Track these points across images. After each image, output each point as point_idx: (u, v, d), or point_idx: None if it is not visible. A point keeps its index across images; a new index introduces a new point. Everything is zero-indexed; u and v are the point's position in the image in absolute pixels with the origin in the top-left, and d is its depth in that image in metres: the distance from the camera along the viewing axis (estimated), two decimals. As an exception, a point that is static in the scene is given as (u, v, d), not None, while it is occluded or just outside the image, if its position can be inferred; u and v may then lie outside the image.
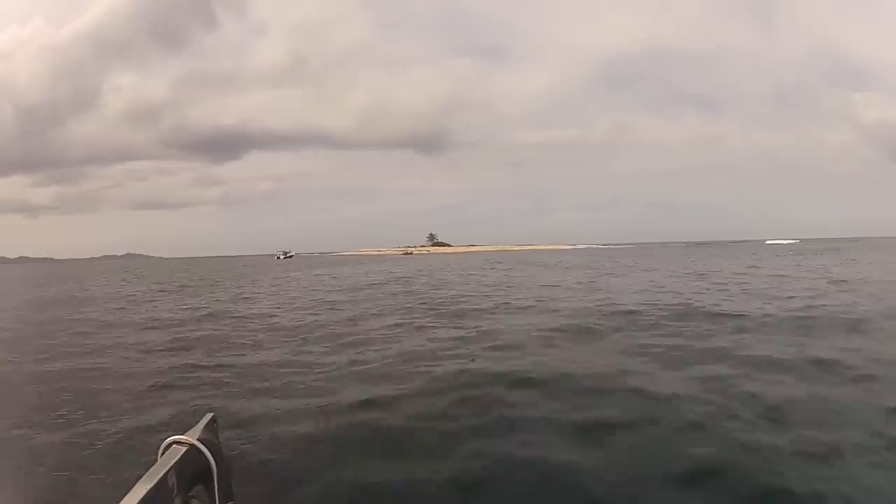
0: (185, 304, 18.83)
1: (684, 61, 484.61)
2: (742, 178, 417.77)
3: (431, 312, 13.88)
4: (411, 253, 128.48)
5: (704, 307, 12.89)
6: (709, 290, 17.64)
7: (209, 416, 1.12)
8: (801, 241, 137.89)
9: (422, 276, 32.56)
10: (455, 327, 11.36)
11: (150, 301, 21.01)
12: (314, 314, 14.42)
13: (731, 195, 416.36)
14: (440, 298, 17.53)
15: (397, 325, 11.89)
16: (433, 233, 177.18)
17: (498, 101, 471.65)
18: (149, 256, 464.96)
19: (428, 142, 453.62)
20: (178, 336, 11.41)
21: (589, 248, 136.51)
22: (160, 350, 9.88)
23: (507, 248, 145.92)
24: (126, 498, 0.88)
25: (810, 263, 33.05)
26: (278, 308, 16.56)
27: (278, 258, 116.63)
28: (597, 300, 15.59)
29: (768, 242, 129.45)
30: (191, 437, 1.04)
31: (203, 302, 19.65)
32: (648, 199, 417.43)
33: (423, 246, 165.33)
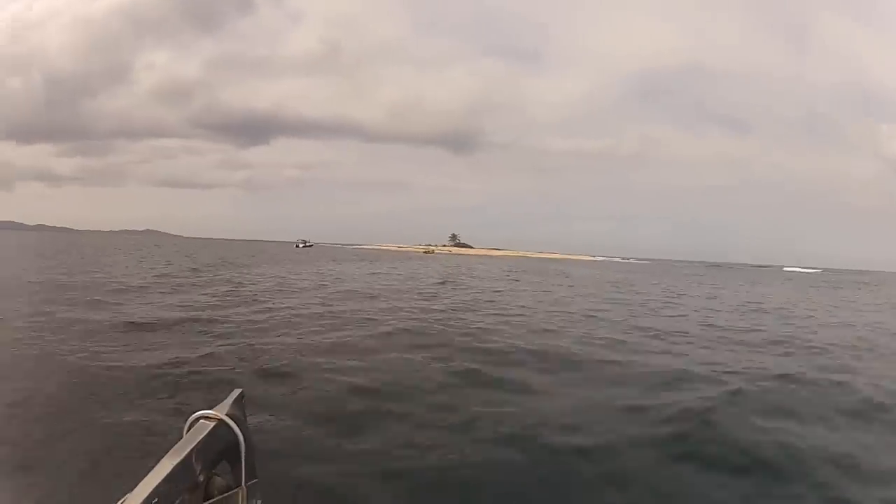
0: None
1: (717, 80, 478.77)
2: (764, 201, 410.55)
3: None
4: (433, 252, 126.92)
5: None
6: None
7: (237, 391, 1.09)
8: (824, 270, 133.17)
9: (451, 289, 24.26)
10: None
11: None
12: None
13: (752, 218, 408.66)
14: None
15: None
16: (455, 233, 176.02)
17: (530, 105, 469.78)
18: (168, 234, 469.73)
19: (457, 140, 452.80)
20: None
21: (610, 261, 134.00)
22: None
23: (527, 254, 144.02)
24: (152, 473, 0.88)
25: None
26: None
27: (297, 247, 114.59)
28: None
29: (786, 269, 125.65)
30: (219, 412, 1.02)
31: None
32: (669, 216, 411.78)
33: (445, 245, 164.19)
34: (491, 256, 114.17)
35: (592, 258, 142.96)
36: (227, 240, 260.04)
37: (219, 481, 1.02)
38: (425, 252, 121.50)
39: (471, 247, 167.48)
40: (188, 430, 1.01)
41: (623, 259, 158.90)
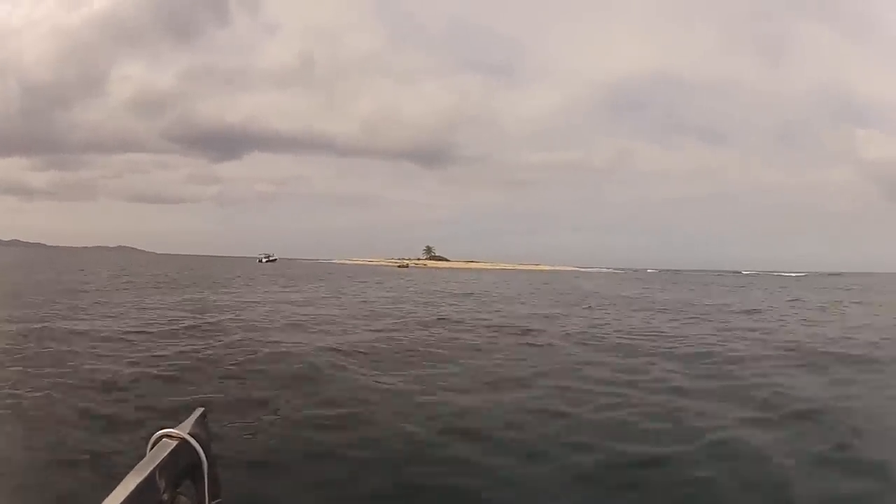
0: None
1: (691, 91, 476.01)
2: (740, 210, 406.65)
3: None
4: (407, 266, 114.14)
5: None
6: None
7: (200, 410, 1.07)
8: (807, 274, 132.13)
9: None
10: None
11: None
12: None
13: (728, 227, 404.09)
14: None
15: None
16: (430, 245, 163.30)
17: (503, 119, 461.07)
18: (141, 250, 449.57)
19: (430, 154, 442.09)
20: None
21: (600, 271, 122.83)
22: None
23: (510, 266, 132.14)
24: (115, 491, 0.85)
25: None
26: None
27: (260, 261, 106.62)
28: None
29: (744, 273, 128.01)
30: (182, 430, 0.99)
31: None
32: (646, 226, 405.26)
33: (420, 259, 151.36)
34: (475, 270, 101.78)
35: (580, 269, 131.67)
36: (197, 256, 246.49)
37: (183, 500, 0.98)
38: (399, 266, 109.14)
39: (447, 259, 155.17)
40: (151, 449, 0.96)
41: (611, 269, 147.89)
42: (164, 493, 0.92)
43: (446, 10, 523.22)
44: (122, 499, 0.84)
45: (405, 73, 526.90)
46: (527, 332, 13.30)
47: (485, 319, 15.73)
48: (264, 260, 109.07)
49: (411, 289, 31.43)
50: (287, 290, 28.09)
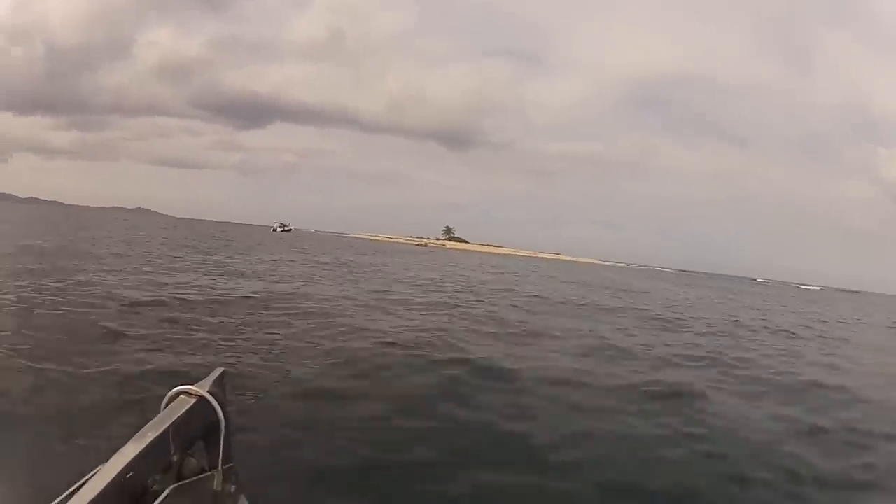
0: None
1: (716, 93, 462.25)
2: (758, 217, 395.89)
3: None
4: (426, 245, 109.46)
5: None
6: None
7: (220, 370, 1.02)
8: (824, 288, 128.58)
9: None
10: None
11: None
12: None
13: (745, 232, 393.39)
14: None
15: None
16: (450, 226, 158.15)
17: (529, 107, 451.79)
18: (159, 213, 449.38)
19: (454, 137, 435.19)
20: None
21: (628, 267, 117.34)
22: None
23: (530, 253, 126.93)
24: (125, 447, 0.81)
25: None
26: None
27: (275, 230, 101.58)
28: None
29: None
30: (200, 388, 0.94)
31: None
32: (661, 224, 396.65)
33: (439, 239, 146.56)
34: (497, 255, 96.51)
35: (603, 263, 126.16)
36: (214, 221, 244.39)
37: (192, 462, 0.92)
38: (418, 245, 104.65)
39: (466, 241, 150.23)
40: (166, 405, 0.91)
41: (628, 265, 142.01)
42: (174, 453, 0.87)
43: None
44: (133, 454, 0.80)
45: (433, 55, 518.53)
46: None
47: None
48: (279, 229, 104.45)
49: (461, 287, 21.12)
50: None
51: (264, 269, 17.66)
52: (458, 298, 14.47)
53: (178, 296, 9.85)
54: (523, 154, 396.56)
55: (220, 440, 0.94)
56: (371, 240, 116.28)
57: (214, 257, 20.55)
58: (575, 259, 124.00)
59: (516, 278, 29.22)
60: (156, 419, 0.88)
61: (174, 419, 0.87)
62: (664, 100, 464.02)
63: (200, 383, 0.95)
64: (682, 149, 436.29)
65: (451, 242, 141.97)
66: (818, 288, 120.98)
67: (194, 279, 12.77)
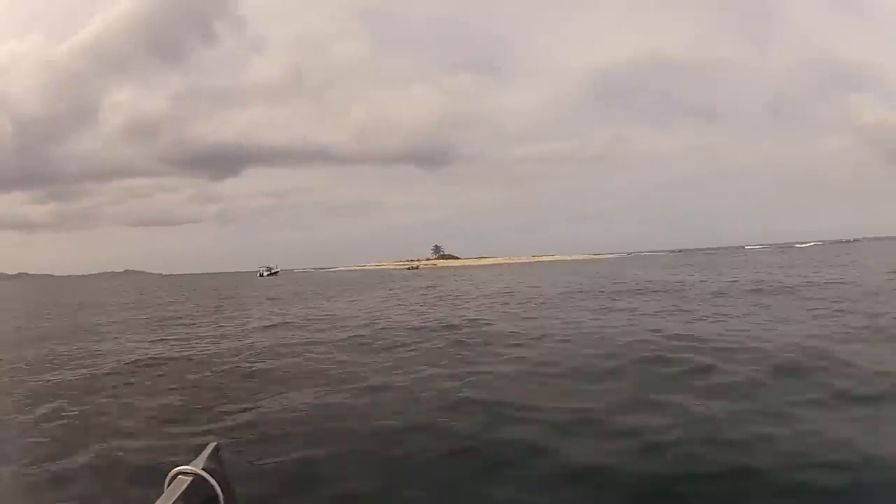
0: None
1: (680, 72, 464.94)
2: (741, 187, 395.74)
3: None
4: (417, 267, 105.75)
5: None
6: None
7: (213, 444, 1.07)
8: (823, 243, 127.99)
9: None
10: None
11: None
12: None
13: (729, 204, 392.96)
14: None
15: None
16: (438, 245, 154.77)
17: (496, 116, 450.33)
18: (148, 273, 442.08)
19: (427, 156, 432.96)
20: None
21: (622, 257, 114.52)
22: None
23: (525, 259, 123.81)
24: None
25: None
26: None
27: (261, 275, 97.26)
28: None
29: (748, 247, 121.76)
30: (195, 466, 0.99)
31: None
32: (646, 209, 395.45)
33: (429, 259, 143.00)
34: (494, 266, 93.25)
35: (598, 256, 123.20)
36: (200, 274, 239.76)
37: None
38: (409, 269, 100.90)
39: (457, 258, 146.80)
40: (168, 486, 0.96)
41: (620, 255, 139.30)
42: None
43: (430, 13, 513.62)
44: None
45: (394, 78, 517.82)
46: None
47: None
48: (265, 273, 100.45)
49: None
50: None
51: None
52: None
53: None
54: (497, 163, 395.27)
55: None
56: (364, 270, 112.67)
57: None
58: (571, 258, 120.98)
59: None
60: (159, 500, 0.91)
61: (175, 497, 0.91)
62: (629, 88, 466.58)
63: (195, 461, 0.99)
64: (654, 132, 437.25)
65: (442, 261, 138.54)
66: (811, 244, 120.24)
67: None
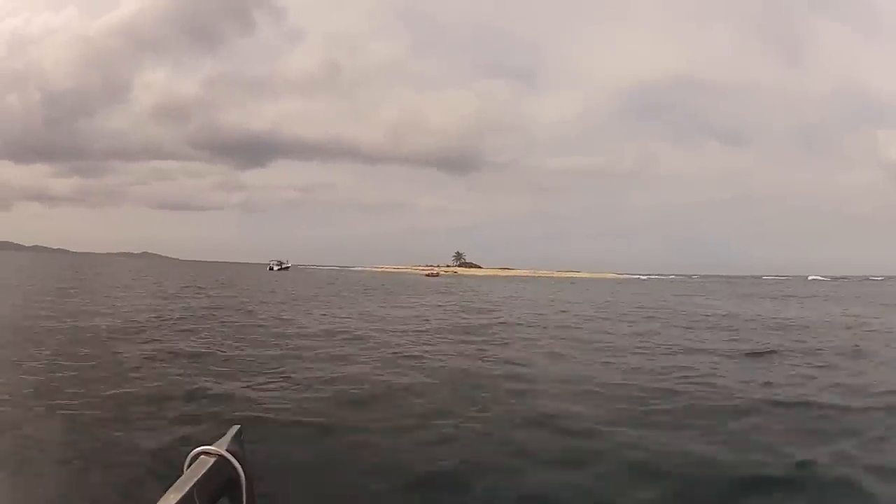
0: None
1: (711, 93, 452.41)
2: (763, 214, 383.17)
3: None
4: (437, 274, 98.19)
5: None
6: None
7: (236, 427, 1.05)
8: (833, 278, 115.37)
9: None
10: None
11: None
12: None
13: (754, 230, 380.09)
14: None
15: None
16: (460, 251, 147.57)
17: (527, 125, 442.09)
18: (165, 257, 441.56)
19: (456, 161, 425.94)
20: None
21: (648, 278, 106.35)
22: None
23: (549, 273, 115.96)
24: None
25: None
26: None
27: (271, 269, 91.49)
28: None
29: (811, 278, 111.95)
30: (219, 447, 0.97)
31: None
32: (670, 231, 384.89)
33: (449, 266, 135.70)
34: (534, 279, 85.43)
35: (621, 276, 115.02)
36: (217, 262, 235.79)
37: None
38: (428, 275, 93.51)
39: (479, 266, 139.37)
40: (188, 466, 0.95)
41: (658, 276, 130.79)
42: None
43: (467, 16, 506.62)
44: None
45: (428, 80, 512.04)
46: None
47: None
48: (276, 267, 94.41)
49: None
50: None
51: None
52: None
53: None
54: (526, 172, 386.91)
55: (241, 496, 0.96)
56: (380, 272, 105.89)
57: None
58: (595, 275, 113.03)
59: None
60: (179, 480, 0.89)
61: (196, 478, 0.89)
62: (661, 106, 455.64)
63: (219, 442, 0.97)
64: (683, 153, 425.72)
65: (463, 269, 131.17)
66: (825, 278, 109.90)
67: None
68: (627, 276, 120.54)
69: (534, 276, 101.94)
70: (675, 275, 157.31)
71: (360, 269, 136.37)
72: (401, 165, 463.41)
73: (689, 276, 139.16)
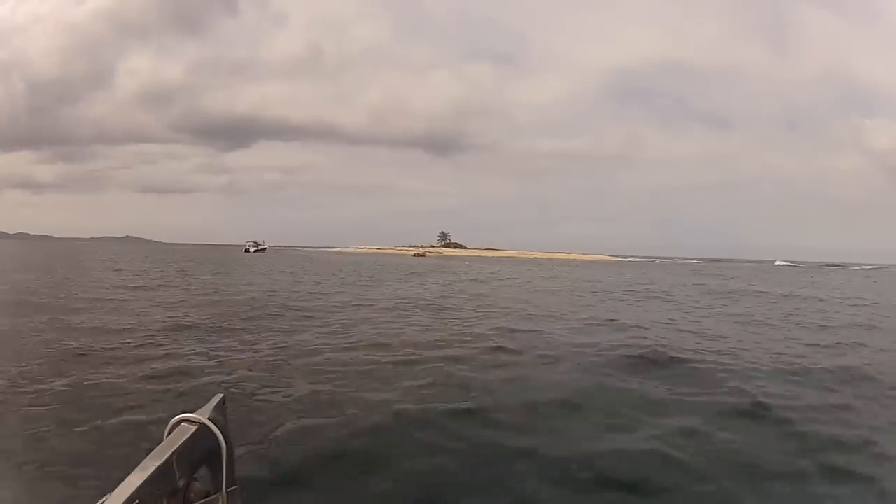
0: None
1: (697, 78, 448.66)
2: (750, 198, 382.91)
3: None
4: (423, 255, 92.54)
5: None
6: None
7: (219, 396, 1.00)
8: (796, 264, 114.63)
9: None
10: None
11: None
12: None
13: (739, 215, 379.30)
14: None
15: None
16: (445, 231, 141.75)
17: (512, 108, 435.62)
18: (148, 240, 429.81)
19: (440, 143, 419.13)
20: None
21: (641, 261, 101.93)
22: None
23: (539, 255, 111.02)
24: (132, 475, 0.82)
25: None
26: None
27: (247, 251, 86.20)
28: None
29: (777, 263, 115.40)
30: (201, 416, 0.94)
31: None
32: (657, 214, 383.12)
33: (434, 247, 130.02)
34: (525, 259, 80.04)
35: (617, 258, 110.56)
36: (199, 245, 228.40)
37: (198, 486, 0.93)
38: (415, 255, 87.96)
39: (465, 247, 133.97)
40: (168, 434, 0.91)
41: (642, 258, 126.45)
42: (180, 478, 0.88)
43: (451, 0, 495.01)
44: (138, 483, 0.80)
45: (412, 62, 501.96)
46: None
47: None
48: (252, 249, 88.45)
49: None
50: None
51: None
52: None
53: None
54: (510, 154, 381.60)
55: (222, 464, 0.93)
56: (363, 253, 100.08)
57: None
58: (588, 257, 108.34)
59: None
60: (159, 447, 0.87)
61: (177, 446, 0.87)
62: (647, 89, 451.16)
63: (201, 410, 0.94)
64: (670, 137, 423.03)
65: (448, 249, 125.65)
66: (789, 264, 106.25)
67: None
68: (620, 258, 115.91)
69: (521, 257, 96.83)
70: (676, 258, 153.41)
71: (339, 249, 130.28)
72: (384, 147, 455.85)
73: (688, 260, 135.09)
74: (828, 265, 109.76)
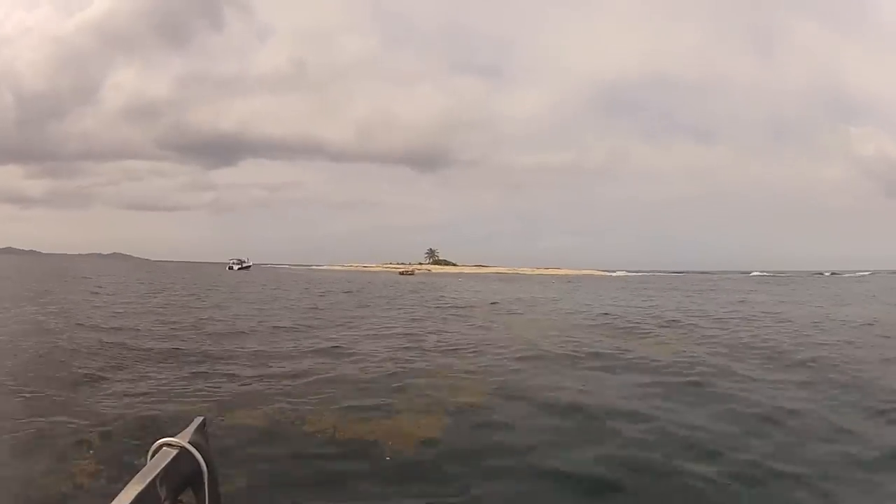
0: None
1: (682, 90, 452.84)
2: (736, 209, 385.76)
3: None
4: (413, 273, 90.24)
5: None
6: None
7: (199, 419, 1.03)
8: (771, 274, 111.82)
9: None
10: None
11: None
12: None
13: (726, 226, 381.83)
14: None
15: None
16: (433, 248, 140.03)
17: (497, 121, 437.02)
18: (136, 257, 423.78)
19: (426, 158, 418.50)
20: None
21: (632, 275, 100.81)
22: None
23: (530, 270, 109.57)
24: (116, 500, 0.82)
25: None
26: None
27: (231, 268, 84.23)
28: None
29: (754, 274, 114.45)
30: (181, 439, 0.96)
31: None
32: (645, 227, 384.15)
33: (422, 264, 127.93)
34: (519, 276, 78.35)
35: (607, 273, 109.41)
36: (186, 262, 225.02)
37: None
38: (403, 273, 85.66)
39: (454, 264, 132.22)
40: (152, 457, 0.93)
41: (644, 272, 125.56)
42: (164, 501, 0.89)
43: (437, 14, 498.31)
44: None
45: (399, 76, 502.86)
46: None
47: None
48: (236, 267, 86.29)
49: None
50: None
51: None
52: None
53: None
54: (496, 169, 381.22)
55: (204, 487, 0.95)
56: (349, 271, 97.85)
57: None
58: (579, 272, 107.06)
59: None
60: (142, 471, 0.88)
61: (159, 470, 0.88)
62: (632, 102, 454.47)
63: (181, 434, 0.96)
64: (654, 150, 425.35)
65: (437, 266, 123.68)
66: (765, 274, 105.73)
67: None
68: (608, 273, 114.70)
69: (510, 273, 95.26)
70: (671, 272, 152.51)
71: (326, 267, 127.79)
72: (370, 163, 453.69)
73: (683, 273, 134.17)
74: (818, 273, 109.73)
